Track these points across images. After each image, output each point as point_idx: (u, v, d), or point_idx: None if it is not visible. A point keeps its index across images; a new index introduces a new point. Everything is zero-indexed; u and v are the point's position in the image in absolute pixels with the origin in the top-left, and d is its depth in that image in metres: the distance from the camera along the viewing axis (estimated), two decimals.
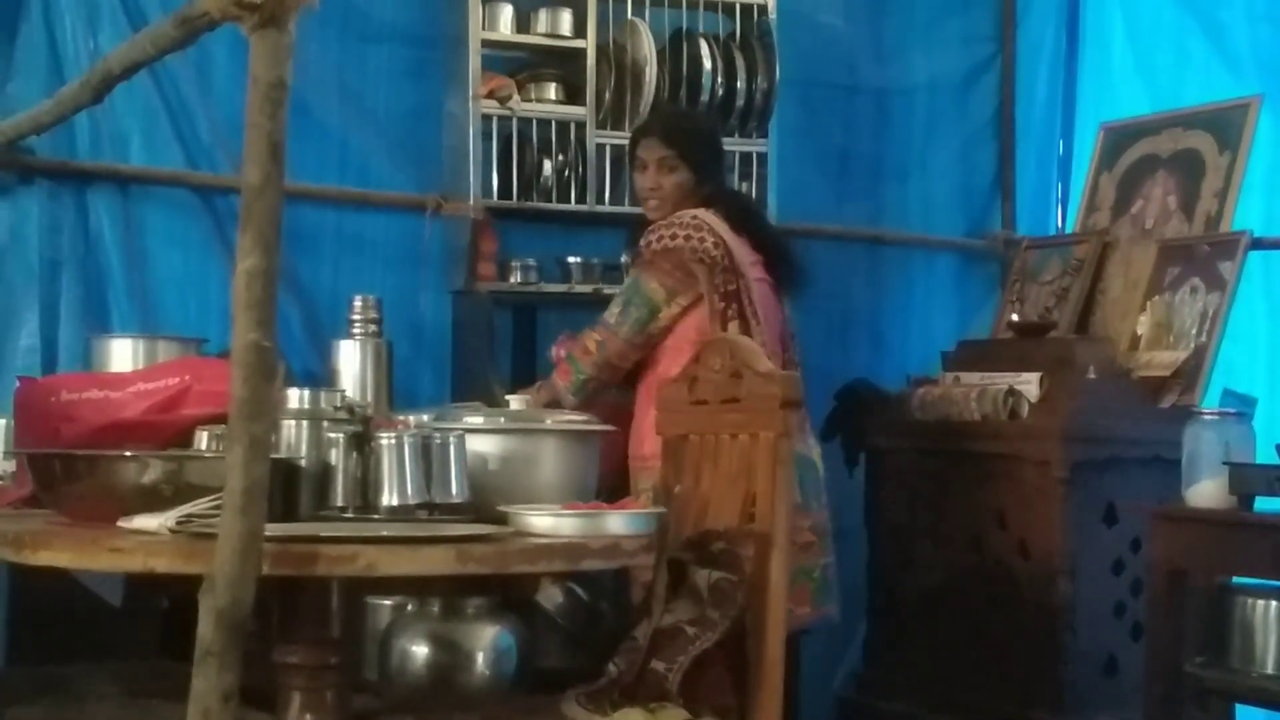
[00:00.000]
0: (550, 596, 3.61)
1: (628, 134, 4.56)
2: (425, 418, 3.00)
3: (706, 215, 3.89)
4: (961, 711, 4.33)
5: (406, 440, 2.69)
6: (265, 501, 2.12)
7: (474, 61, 4.40)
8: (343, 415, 2.78)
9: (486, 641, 3.08)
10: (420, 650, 3.05)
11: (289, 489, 2.65)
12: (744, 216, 4.03)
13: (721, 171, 4.15)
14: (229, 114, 4.13)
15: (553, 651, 3.56)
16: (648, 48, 4.53)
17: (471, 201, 4.39)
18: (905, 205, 5.30)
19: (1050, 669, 4.13)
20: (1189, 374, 4.20)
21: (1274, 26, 4.66)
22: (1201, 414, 3.87)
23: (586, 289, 4.55)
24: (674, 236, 3.85)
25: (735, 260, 3.86)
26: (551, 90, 4.58)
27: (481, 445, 2.85)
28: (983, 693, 4.31)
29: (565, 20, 4.54)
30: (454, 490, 2.73)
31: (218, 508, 2.14)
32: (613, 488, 3.47)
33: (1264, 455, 3.76)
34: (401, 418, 2.94)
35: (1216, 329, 4.22)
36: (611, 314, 3.88)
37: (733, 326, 3.78)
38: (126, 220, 4.23)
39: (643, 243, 3.89)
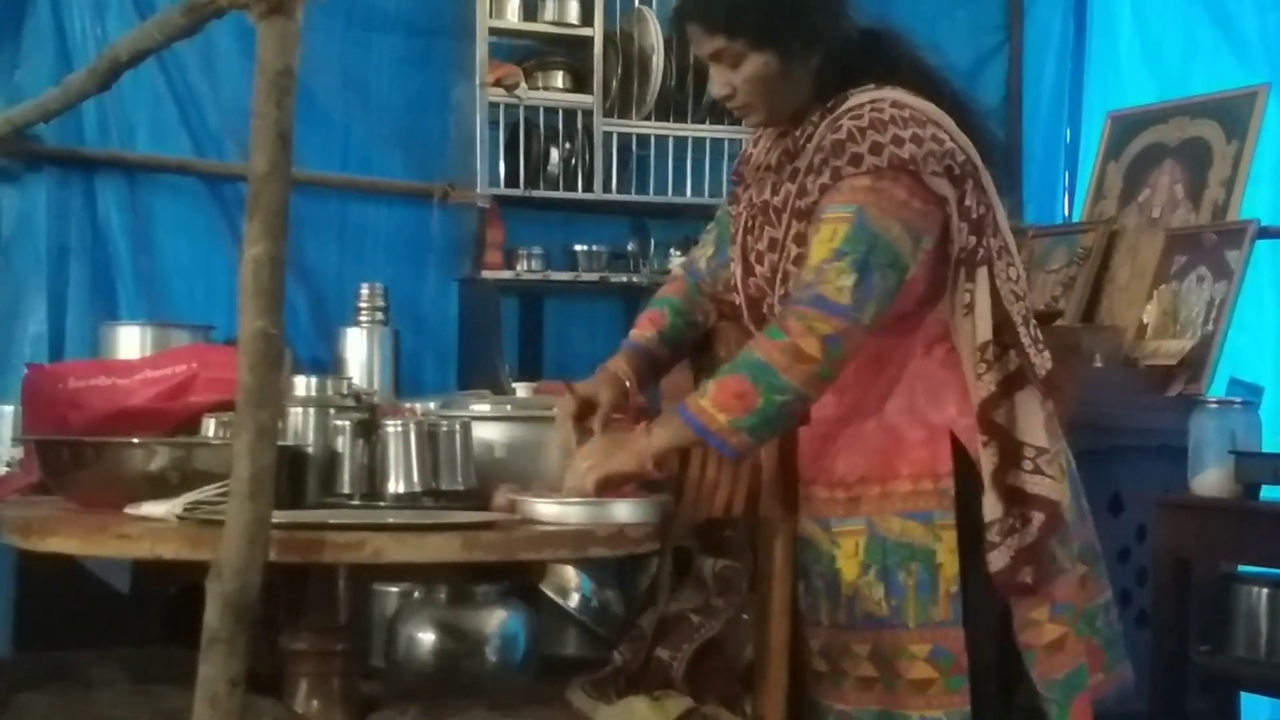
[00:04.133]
0: (559, 585, 3.61)
1: (635, 122, 4.57)
2: (432, 405, 3.00)
3: (912, 99, 2.55)
4: None
5: (413, 428, 2.69)
6: (272, 488, 2.12)
7: (481, 49, 4.40)
8: (349, 403, 2.78)
9: (493, 628, 3.08)
10: (427, 637, 3.06)
11: (296, 476, 2.64)
12: (941, 97, 2.61)
13: (832, 21, 2.61)
14: (236, 102, 4.14)
15: (561, 639, 3.57)
16: (655, 36, 4.52)
17: (478, 190, 4.39)
18: None
19: None
20: (1195, 363, 4.20)
21: None
22: (1208, 403, 3.87)
23: (593, 277, 4.55)
24: (903, 138, 2.48)
25: (980, 172, 2.58)
26: (559, 78, 4.58)
27: (488, 433, 2.85)
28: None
29: (573, 8, 4.53)
30: (460, 478, 2.73)
31: (225, 495, 2.14)
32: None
33: (1270, 444, 3.77)
34: (408, 405, 2.94)
35: (1223, 318, 4.21)
36: (842, 287, 2.41)
37: (981, 289, 2.54)
38: (134, 208, 4.24)
39: (842, 155, 2.48)
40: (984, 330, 2.54)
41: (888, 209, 2.45)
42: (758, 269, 2.63)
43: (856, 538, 2.53)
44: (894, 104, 2.52)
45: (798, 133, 2.59)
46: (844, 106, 2.54)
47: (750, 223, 2.67)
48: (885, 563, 2.51)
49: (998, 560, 2.49)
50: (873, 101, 2.53)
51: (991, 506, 2.49)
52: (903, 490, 2.53)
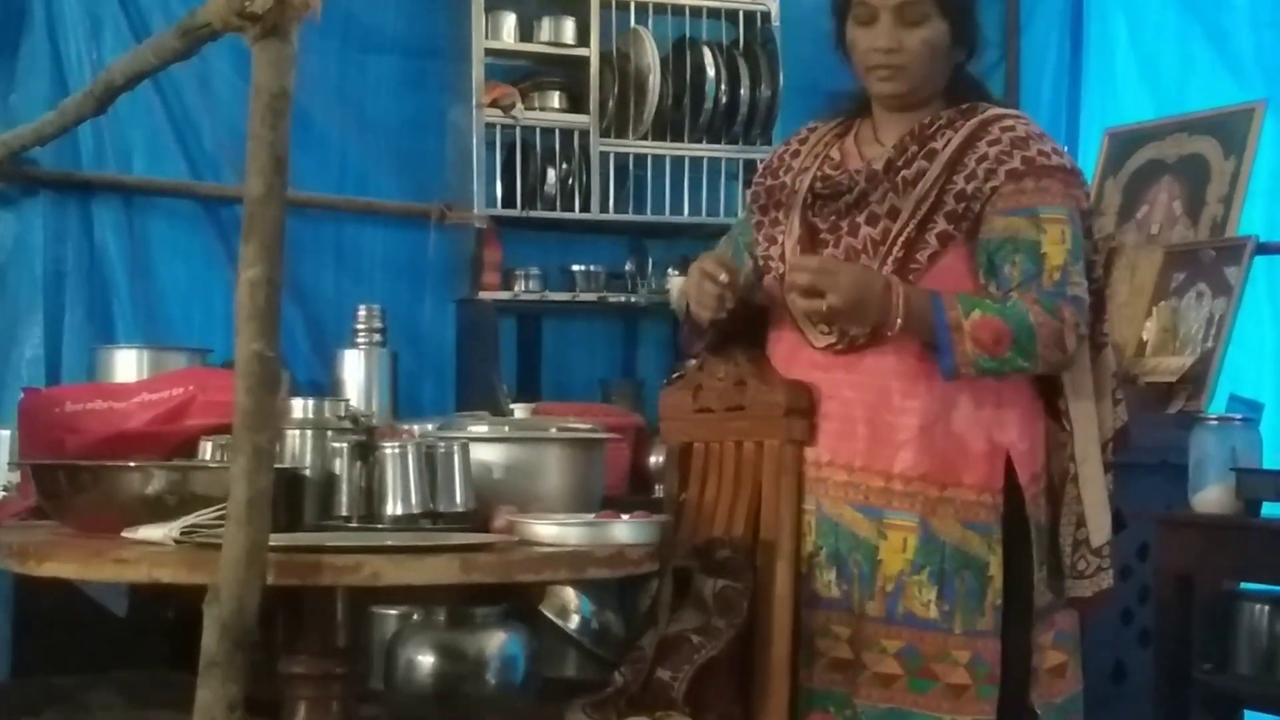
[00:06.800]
0: (559, 607, 3.60)
1: (632, 142, 4.57)
2: (430, 427, 3.00)
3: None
4: None
5: (410, 449, 2.68)
6: (269, 511, 2.12)
7: (477, 70, 4.40)
8: (347, 425, 2.78)
9: (493, 650, 3.07)
10: (426, 659, 3.04)
11: (293, 499, 2.64)
12: None
13: (978, 39, 2.74)
14: (232, 124, 4.13)
15: (562, 661, 3.55)
16: (651, 55, 4.52)
17: (475, 210, 4.39)
18: None
19: None
20: (1195, 379, 4.19)
21: (1278, 32, 4.65)
22: (1208, 419, 3.86)
23: (591, 297, 4.55)
24: (1059, 149, 2.66)
25: None
26: (555, 99, 4.58)
27: (486, 454, 2.84)
28: None
29: (568, 28, 4.54)
30: (458, 499, 2.72)
31: (222, 518, 2.14)
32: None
33: (1271, 460, 3.76)
34: (406, 427, 2.93)
35: (1223, 334, 4.20)
36: (1083, 287, 2.61)
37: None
38: (130, 231, 4.24)
39: (1029, 148, 2.59)
40: (1115, 359, 2.75)
41: (1082, 215, 2.62)
42: (846, 239, 2.65)
43: (906, 534, 2.57)
44: (1030, 122, 2.67)
45: (926, 120, 2.64)
46: (985, 114, 2.64)
47: (818, 199, 2.69)
48: (943, 566, 2.55)
49: (1106, 580, 2.71)
50: (1018, 116, 2.67)
51: (1104, 529, 2.70)
52: (966, 499, 2.58)
